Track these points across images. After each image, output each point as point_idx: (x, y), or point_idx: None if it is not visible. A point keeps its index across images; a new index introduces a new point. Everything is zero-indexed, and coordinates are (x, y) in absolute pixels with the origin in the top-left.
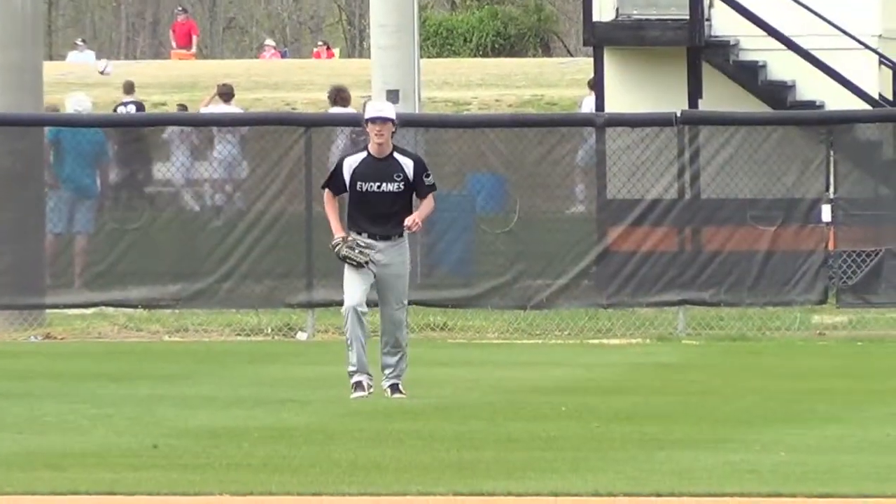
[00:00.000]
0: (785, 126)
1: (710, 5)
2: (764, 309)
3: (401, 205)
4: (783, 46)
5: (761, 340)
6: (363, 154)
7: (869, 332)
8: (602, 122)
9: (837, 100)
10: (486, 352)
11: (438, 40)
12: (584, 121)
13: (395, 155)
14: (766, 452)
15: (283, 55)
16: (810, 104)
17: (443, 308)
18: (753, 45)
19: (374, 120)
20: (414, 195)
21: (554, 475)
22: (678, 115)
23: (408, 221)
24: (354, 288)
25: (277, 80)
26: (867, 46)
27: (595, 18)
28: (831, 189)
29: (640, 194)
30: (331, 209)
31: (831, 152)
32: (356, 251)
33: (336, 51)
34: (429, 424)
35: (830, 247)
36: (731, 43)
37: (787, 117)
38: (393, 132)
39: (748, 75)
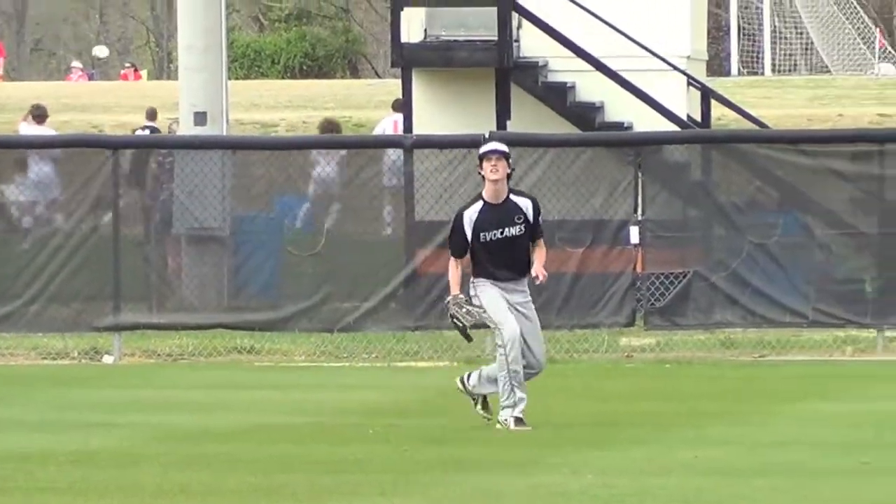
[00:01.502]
0: (593, 147)
1: (519, 26)
2: (572, 332)
3: (524, 248)
4: (592, 68)
5: (569, 363)
6: (478, 204)
7: (676, 355)
8: (410, 144)
9: (646, 121)
10: (294, 375)
11: (246, 62)
12: (393, 143)
13: (512, 197)
14: (575, 475)
15: (91, 77)
16: (618, 125)
17: (250, 331)
18: (562, 67)
19: (487, 156)
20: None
21: (361, 498)
22: (486, 136)
23: (537, 273)
24: (509, 315)
25: (85, 102)
26: (675, 68)
27: (403, 40)
28: (639, 211)
29: (449, 216)
30: (454, 272)
31: (639, 174)
32: (463, 310)
33: (144, 73)
34: (236, 447)
35: (638, 269)
36: (540, 64)
37: (596, 139)
38: (509, 173)
39: (557, 96)
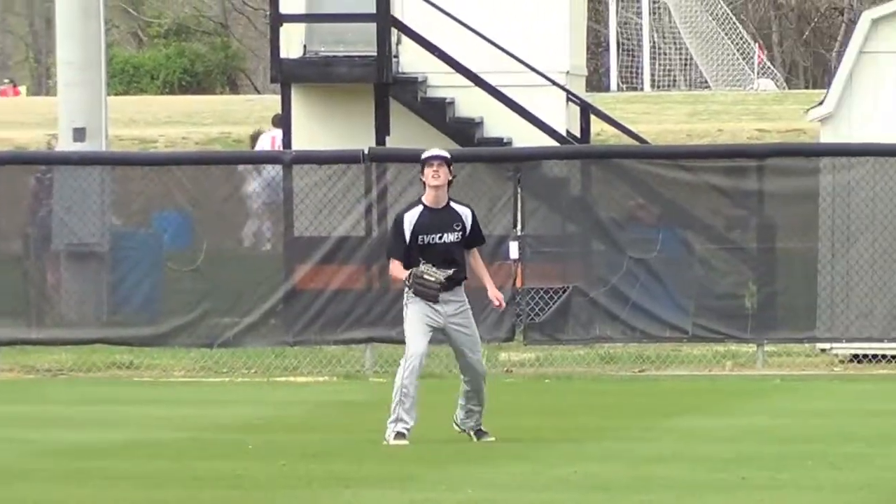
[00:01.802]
0: (472, 163)
1: (398, 42)
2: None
3: (460, 255)
4: (471, 83)
5: (448, 378)
6: (418, 208)
7: (556, 370)
8: (289, 160)
9: (525, 136)
10: (173, 390)
11: (125, 77)
12: (272, 158)
13: (452, 204)
14: (453, 491)
15: None
16: (498, 141)
17: (129, 346)
18: (441, 82)
19: (429, 161)
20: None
21: None
22: (366, 152)
23: (495, 297)
24: (421, 336)
25: None
26: (555, 83)
27: (282, 55)
28: (519, 226)
29: (328, 232)
30: (397, 266)
31: (519, 189)
32: (428, 274)
33: (23, 88)
34: (116, 463)
35: (518, 284)
36: (419, 79)
37: (475, 154)
38: (450, 180)
39: (436, 112)
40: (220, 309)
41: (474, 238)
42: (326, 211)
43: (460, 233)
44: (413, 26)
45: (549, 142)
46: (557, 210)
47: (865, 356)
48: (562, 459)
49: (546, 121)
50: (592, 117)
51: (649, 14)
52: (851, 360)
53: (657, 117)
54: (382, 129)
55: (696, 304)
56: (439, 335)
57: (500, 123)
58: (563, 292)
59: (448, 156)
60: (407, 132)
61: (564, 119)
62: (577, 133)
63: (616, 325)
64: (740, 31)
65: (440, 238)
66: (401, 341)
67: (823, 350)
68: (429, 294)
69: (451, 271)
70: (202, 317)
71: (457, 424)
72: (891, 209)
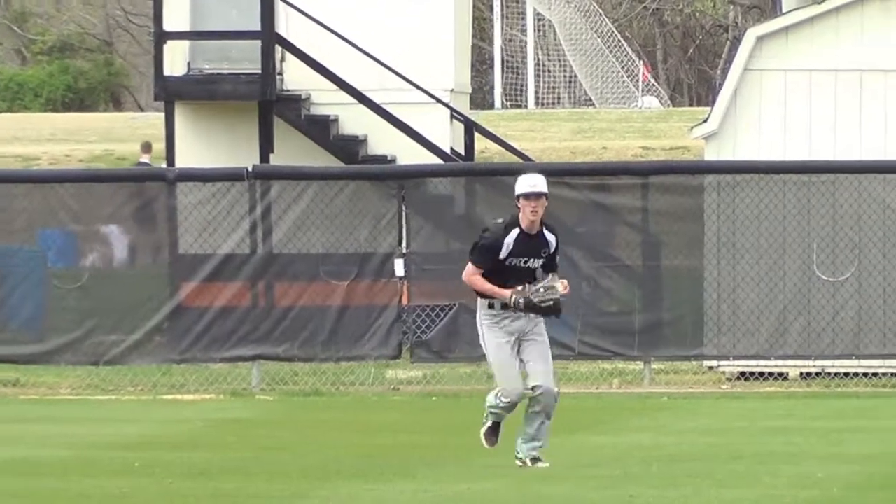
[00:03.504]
0: (357, 180)
1: (283, 59)
2: (338, 364)
3: (532, 277)
4: (355, 101)
5: (335, 395)
6: (516, 231)
7: (443, 387)
8: (173, 177)
9: (410, 154)
10: (59, 408)
11: (9, 95)
12: (156, 175)
13: (544, 231)
14: None
15: None
16: (382, 158)
17: (14, 364)
18: (326, 100)
19: (528, 196)
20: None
21: None
22: (250, 169)
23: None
24: (515, 373)
25: None
26: (439, 101)
27: (166, 73)
28: (404, 243)
29: (213, 249)
30: (481, 281)
31: (404, 207)
32: (540, 291)
33: None
34: (1, 481)
35: (404, 301)
36: (303, 97)
37: (359, 172)
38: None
39: (320, 129)
40: (105, 326)
41: (552, 264)
42: (211, 228)
43: (544, 259)
44: (297, 44)
45: (434, 159)
46: (442, 228)
47: (752, 373)
48: (450, 477)
49: (430, 138)
50: (477, 135)
51: (534, 32)
52: (738, 378)
53: (541, 135)
54: (266, 147)
55: (583, 322)
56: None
57: (384, 141)
58: (450, 310)
59: (546, 189)
60: (291, 149)
61: (449, 136)
62: (462, 150)
63: None
64: (625, 49)
65: (525, 263)
66: (288, 359)
67: (710, 367)
68: (553, 308)
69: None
70: (88, 334)
71: (520, 458)
72: (776, 226)
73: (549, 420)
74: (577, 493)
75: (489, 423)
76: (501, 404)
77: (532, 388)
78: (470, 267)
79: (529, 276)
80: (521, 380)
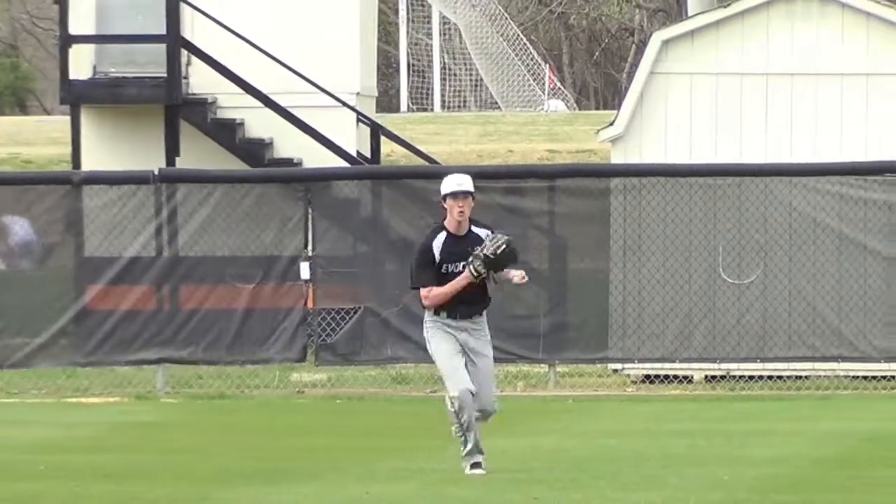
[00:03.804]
0: (263, 184)
1: (188, 63)
2: (243, 367)
3: (484, 283)
4: (261, 104)
5: (240, 398)
6: (443, 234)
7: (348, 390)
8: (79, 180)
9: (316, 157)
10: None
11: None
12: (61, 179)
13: (474, 229)
14: None
15: None
16: (288, 161)
17: None
18: (232, 103)
19: (455, 195)
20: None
21: None
22: (156, 173)
23: (519, 279)
24: (460, 369)
25: None
26: (345, 104)
27: (72, 76)
28: (310, 246)
29: (118, 252)
30: (439, 290)
31: (310, 210)
32: (487, 245)
33: None
34: None
35: (310, 304)
36: (209, 101)
37: (265, 175)
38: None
39: (226, 133)
40: (9, 329)
41: None
42: (117, 231)
43: None
44: (203, 47)
45: (340, 162)
46: (348, 230)
47: (657, 376)
48: (353, 480)
49: (336, 141)
50: (383, 138)
51: (440, 35)
52: (643, 381)
53: (447, 138)
54: (172, 150)
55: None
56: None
57: (290, 144)
58: (355, 313)
59: (472, 189)
60: (197, 153)
61: (355, 140)
62: (368, 153)
63: (408, 346)
64: (531, 52)
65: (463, 267)
66: (193, 362)
67: (615, 370)
68: (511, 254)
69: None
70: None
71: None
72: (681, 229)
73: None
74: (482, 495)
75: (469, 447)
76: (455, 409)
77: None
78: (422, 292)
79: (479, 284)
80: (469, 380)
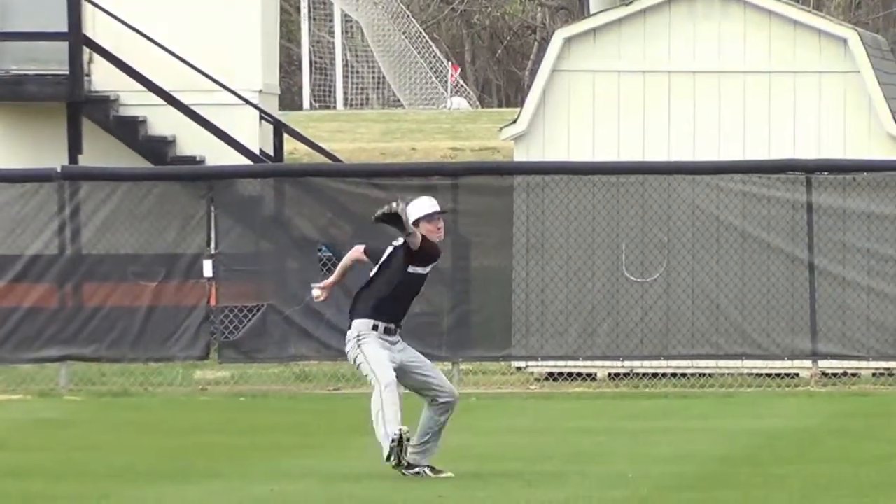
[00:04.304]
0: (165, 181)
1: (90, 61)
2: (147, 364)
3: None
4: (164, 102)
5: (144, 396)
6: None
7: (251, 387)
8: None
9: (219, 155)
10: None
11: None
12: None
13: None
14: None
15: None
16: (191, 159)
17: None
18: (134, 101)
19: (431, 217)
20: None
21: None
22: (58, 170)
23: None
24: (388, 364)
25: None
26: (247, 101)
27: None
28: (213, 244)
29: (20, 250)
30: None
31: (212, 207)
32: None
33: None
34: None
35: (212, 302)
36: (112, 98)
37: (168, 172)
38: None
39: (128, 130)
40: None
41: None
42: (19, 229)
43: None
44: (105, 45)
45: (243, 160)
46: (251, 228)
47: (560, 374)
48: (257, 477)
49: (239, 139)
50: (286, 136)
51: (342, 33)
52: (547, 378)
53: (350, 136)
54: (75, 148)
55: None
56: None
57: (193, 142)
58: (258, 310)
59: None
60: (100, 150)
61: (258, 137)
62: (271, 151)
63: (311, 343)
64: (433, 50)
65: (425, 270)
66: (96, 359)
67: (519, 368)
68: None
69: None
70: None
71: (406, 466)
72: (584, 227)
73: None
74: (385, 493)
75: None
76: (385, 398)
77: (443, 403)
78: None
79: (420, 284)
80: (393, 370)
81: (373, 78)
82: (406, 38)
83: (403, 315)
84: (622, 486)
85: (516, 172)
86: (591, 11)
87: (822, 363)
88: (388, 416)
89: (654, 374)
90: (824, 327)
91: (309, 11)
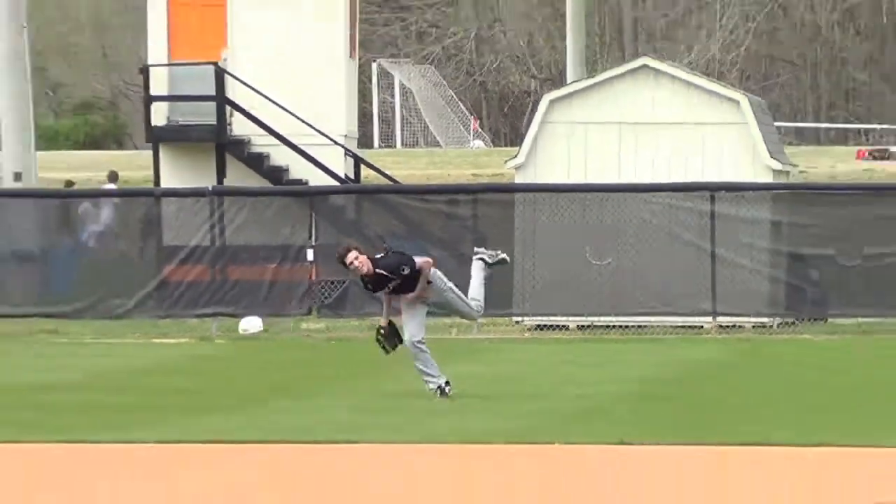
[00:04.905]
0: (282, 197)
1: (231, 114)
2: (269, 318)
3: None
4: (280, 142)
5: (268, 340)
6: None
7: (339, 335)
8: (159, 194)
9: (318, 179)
10: None
11: (45, 139)
12: (147, 193)
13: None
14: None
15: None
16: (298, 182)
17: None
18: (261, 142)
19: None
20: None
21: None
22: (210, 189)
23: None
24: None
25: None
26: (336, 142)
27: (154, 123)
28: (313, 238)
29: (186, 242)
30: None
31: (313, 214)
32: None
33: None
34: None
35: (313, 277)
36: (246, 140)
37: (283, 191)
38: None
39: (257, 162)
40: (109, 293)
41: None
42: (184, 229)
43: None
44: (241, 104)
45: (333, 182)
46: (338, 228)
47: (544, 326)
48: (341, 396)
49: (331, 168)
50: (362, 166)
51: (400, 96)
52: (535, 329)
53: (405, 166)
54: (221, 174)
55: None
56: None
57: (300, 170)
58: (343, 283)
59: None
60: (238, 175)
61: (343, 167)
62: (353, 176)
63: (377, 305)
64: (461, 107)
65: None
66: (236, 315)
67: (517, 322)
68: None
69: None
70: None
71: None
72: (562, 227)
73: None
74: (427, 400)
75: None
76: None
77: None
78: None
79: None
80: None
81: (420, 126)
82: (443, 99)
83: None
84: (588, 399)
85: (516, 191)
86: (568, 82)
87: (720, 319)
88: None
89: (608, 326)
90: (721, 295)
91: (378, 80)
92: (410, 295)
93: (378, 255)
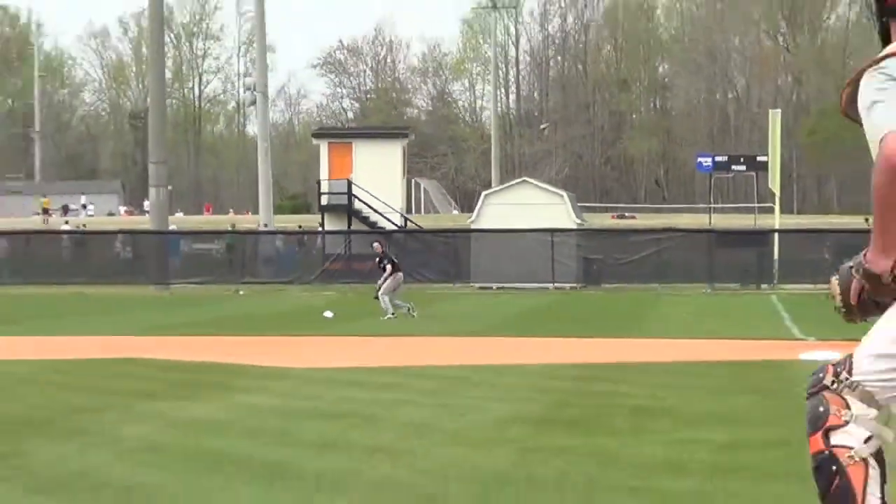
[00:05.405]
0: (370, 233)
1: (353, 200)
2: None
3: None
4: (373, 211)
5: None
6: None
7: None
8: (325, 232)
9: (388, 225)
10: None
11: None
12: (317, 232)
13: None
14: None
15: None
16: (381, 229)
17: None
18: (365, 211)
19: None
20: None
21: None
22: (347, 230)
23: None
24: None
25: None
26: (395, 209)
27: (322, 203)
28: (386, 248)
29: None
30: None
31: (387, 241)
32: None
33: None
34: None
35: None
36: (360, 210)
37: (374, 231)
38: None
39: (363, 219)
40: (291, 274)
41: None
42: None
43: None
44: (359, 194)
45: (394, 227)
46: (396, 247)
47: (484, 287)
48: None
49: (393, 220)
50: (407, 221)
51: (424, 191)
52: (479, 289)
53: (421, 221)
54: (349, 224)
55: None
56: None
57: (381, 221)
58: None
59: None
60: (355, 225)
61: (399, 220)
62: (403, 225)
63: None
64: (447, 196)
65: None
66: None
67: (471, 285)
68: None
69: None
70: None
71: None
72: (492, 250)
73: None
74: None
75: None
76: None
77: None
78: None
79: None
80: None
81: (431, 204)
82: (440, 193)
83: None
84: (502, 317)
85: (472, 232)
86: (493, 185)
87: (556, 284)
88: None
89: (508, 286)
90: (557, 273)
91: (413, 186)
92: None
93: (377, 256)
